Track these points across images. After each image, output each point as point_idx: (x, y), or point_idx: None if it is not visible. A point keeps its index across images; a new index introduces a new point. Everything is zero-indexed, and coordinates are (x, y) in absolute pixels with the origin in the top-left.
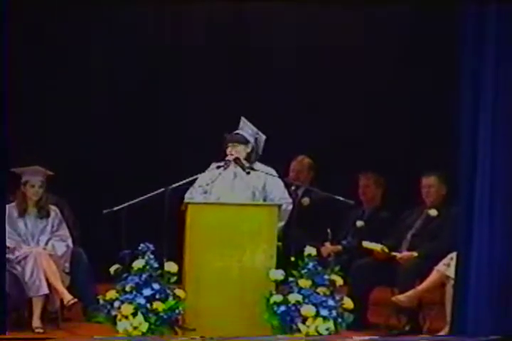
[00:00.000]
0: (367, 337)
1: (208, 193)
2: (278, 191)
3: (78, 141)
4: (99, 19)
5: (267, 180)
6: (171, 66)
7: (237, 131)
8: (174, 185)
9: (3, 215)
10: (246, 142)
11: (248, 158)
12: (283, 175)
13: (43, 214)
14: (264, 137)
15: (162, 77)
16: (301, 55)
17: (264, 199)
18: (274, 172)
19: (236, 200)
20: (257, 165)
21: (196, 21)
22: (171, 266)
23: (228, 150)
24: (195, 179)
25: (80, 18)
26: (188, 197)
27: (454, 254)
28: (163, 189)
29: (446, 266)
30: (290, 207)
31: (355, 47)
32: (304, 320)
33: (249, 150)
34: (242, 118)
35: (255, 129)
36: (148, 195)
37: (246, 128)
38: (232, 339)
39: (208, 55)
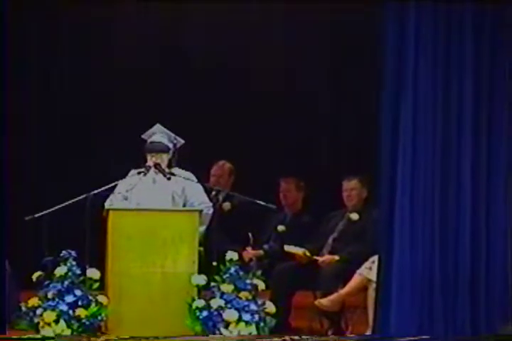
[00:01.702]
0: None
1: (128, 200)
2: (198, 196)
3: None
4: None
5: (186, 185)
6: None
7: (157, 140)
8: (95, 191)
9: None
10: (167, 150)
11: (168, 163)
12: (204, 180)
13: None
14: (182, 142)
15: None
16: (218, 55)
17: (184, 205)
18: (193, 177)
19: (156, 206)
20: (176, 170)
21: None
22: (93, 273)
23: (149, 158)
24: (116, 185)
25: None
26: (108, 203)
27: (375, 257)
28: (84, 195)
29: (368, 270)
30: (211, 211)
31: (276, 47)
32: (227, 325)
33: (169, 156)
34: (158, 125)
35: (172, 135)
36: (70, 201)
37: (163, 135)
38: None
39: (125, 57)
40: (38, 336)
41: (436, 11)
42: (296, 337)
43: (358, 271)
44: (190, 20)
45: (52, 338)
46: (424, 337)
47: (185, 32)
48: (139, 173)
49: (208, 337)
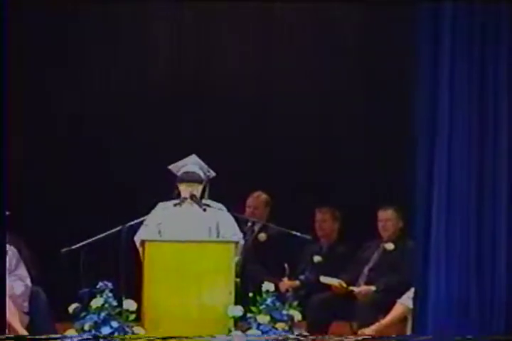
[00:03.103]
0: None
1: (162, 232)
2: (230, 227)
3: (33, 179)
4: None
5: (219, 217)
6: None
7: (191, 170)
8: (131, 223)
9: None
10: (201, 181)
11: (201, 195)
12: (239, 211)
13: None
14: (214, 174)
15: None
16: (250, 83)
17: (217, 236)
18: (224, 208)
19: (192, 238)
20: (209, 202)
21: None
22: (129, 304)
23: (182, 189)
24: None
25: None
26: (140, 236)
27: None
28: (120, 227)
29: (411, 299)
30: (242, 241)
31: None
32: None
33: (202, 188)
34: (193, 156)
35: (205, 166)
36: (106, 232)
37: (196, 165)
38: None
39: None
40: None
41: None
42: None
43: (399, 301)
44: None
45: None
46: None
47: (217, 60)
48: (175, 205)
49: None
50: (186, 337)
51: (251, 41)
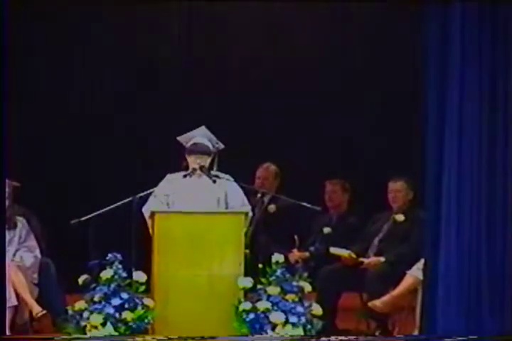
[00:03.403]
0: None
1: (170, 204)
2: (238, 198)
3: (43, 151)
4: None
5: (228, 188)
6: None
7: (200, 141)
8: (141, 194)
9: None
10: (210, 153)
11: (210, 167)
12: (248, 182)
13: (10, 225)
14: (222, 146)
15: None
16: (258, 57)
17: (226, 207)
18: (232, 179)
19: (201, 209)
20: (218, 173)
21: None
22: (139, 276)
23: (191, 161)
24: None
25: None
26: (148, 207)
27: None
28: (130, 198)
29: (420, 271)
30: (250, 213)
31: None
32: (274, 327)
33: (210, 159)
34: (202, 127)
35: (214, 138)
36: (116, 204)
37: (205, 137)
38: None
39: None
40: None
41: (482, 9)
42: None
43: (409, 272)
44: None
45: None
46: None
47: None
48: (185, 176)
49: (254, 337)
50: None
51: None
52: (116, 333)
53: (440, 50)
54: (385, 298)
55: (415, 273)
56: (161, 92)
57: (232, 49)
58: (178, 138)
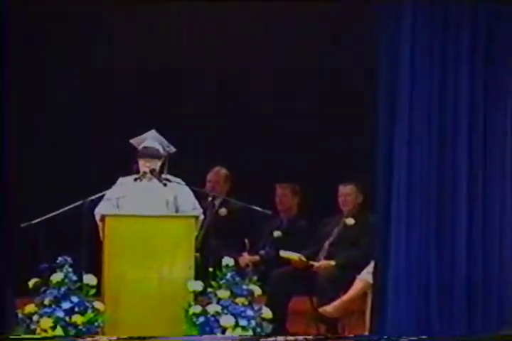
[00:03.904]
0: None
1: (120, 207)
2: (189, 202)
3: None
4: None
5: (178, 192)
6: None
7: (150, 145)
8: (92, 197)
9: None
10: (160, 156)
11: (160, 170)
12: (199, 186)
13: None
14: (174, 149)
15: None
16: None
17: (176, 211)
18: (183, 183)
19: (150, 212)
20: (169, 177)
21: None
22: (89, 279)
23: (142, 164)
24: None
25: None
26: (100, 211)
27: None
28: (81, 201)
29: (370, 274)
30: (202, 216)
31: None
32: (224, 331)
33: (161, 163)
34: (153, 131)
35: (165, 141)
36: (67, 207)
37: (156, 140)
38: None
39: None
40: (38, 336)
41: (433, 7)
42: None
43: (359, 276)
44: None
45: (52, 338)
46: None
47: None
48: (135, 180)
49: (203, 338)
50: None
51: None
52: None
53: (391, 49)
54: (336, 303)
55: (365, 277)
56: (114, 94)
57: (186, 51)
58: (131, 140)
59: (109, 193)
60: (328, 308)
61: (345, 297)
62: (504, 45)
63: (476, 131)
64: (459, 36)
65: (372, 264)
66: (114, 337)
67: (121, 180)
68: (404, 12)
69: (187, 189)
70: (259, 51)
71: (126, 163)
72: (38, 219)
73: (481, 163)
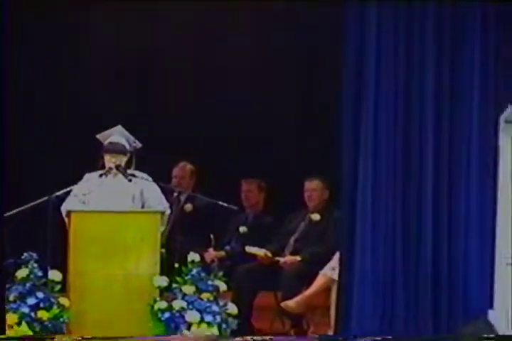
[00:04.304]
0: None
1: (86, 203)
2: (155, 197)
3: None
4: None
5: (144, 187)
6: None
7: (116, 141)
8: (58, 193)
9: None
10: (126, 152)
11: (126, 166)
12: (165, 181)
13: None
14: (140, 145)
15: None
16: (179, 58)
17: (143, 206)
18: (150, 178)
19: (116, 208)
20: (135, 172)
21: None
22: (55, 275)
23: (107, 160)
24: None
25: None
26: (64, 207)
27: (338, 257)
28: (46, 197)
29: (332, 270)
30: (168, 211)
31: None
32: (189, 327)
33: (127, 158)
34: (119, 126)
35: (131, 137)
36: (32, 203)
37: (122, 136)
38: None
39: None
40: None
41: (397, 9)
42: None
43: (322, 272)
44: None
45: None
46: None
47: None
48: (101, 175)
49: (170, 337)
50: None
51: None
52: (32, 332)
53: (357, 49)
54: (298, 298)
55: (327, 272)
56: (81, 90)
57: (153, 48)
58: (97, 136)
59: (75, 189)
60: (290, 303)
61: (307, 292)
62: (468, 46)
63: (442, 128)
64: (423, 38)
65: (334, 260)
66: None
67: (87, 175)
68: (369, 15)
69: (153, 184)
70: (225, 48)
71: (92, 159)
72: (3, 215)
73: (447, 158)
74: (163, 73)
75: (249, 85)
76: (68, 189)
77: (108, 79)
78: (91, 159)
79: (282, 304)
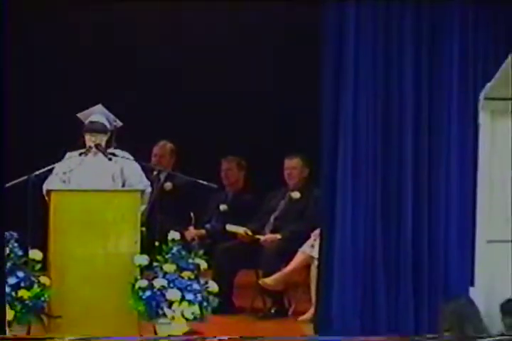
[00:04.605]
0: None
1: (67, 182)
2: (136, 175)
3: None
4: None
5: (124, 166)
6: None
7: (96, 120)
8: (37, 172)
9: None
10: (106, 131)
11: (107, 145)
12: (145, 160)
13: None
14: (120, 124)
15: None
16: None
17: (123, 185)
18: (130, 157)
19: (97, 187)
20: (115, 151)
21: None
22: (35, 254)
23: (87, 139)
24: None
25: None
26: (46, 186)
27: (317, 235)
28: (26, 177)
29: (311, 247)
30: (149, 189)
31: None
32: (170, 305)
33: (107, 137)
34: (99, 105)
35: (112, 116)
36: (12, 182)
37: (102, 115)
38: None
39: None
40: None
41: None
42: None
43: (301, 249)
44: None
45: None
46: None
47: None
48: (80, 154)
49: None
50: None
51: None
52: (13, 311)
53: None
54: (276, 275)
55: (306, 249)
56: (63, 68)
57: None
58: (78, 115)
59: (56, 168)
60: (268, 280)
61: (285, 270)
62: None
63: (421, 106)
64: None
65: (313, 237)
66: None
67: (69, 154)
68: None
69: (134, 163)
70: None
71: (74, 138)
72: None
73: (427, 136)
74: (147, 52)
75: (227, 63)
76: (48, 168)
77: (90, 57)
78: (73, 138)
79: (260, 281)
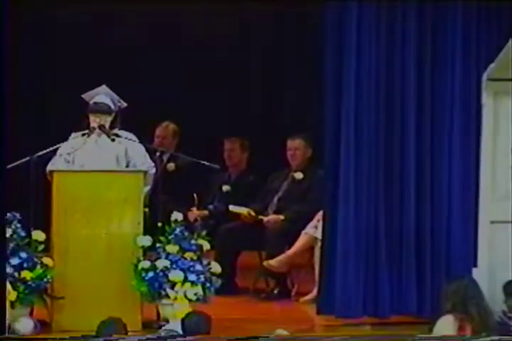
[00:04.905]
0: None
1: (71, 162)
2: (140, 156)
3: None
4: None
5: (128, 147)
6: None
7: (100, 101)
8: (39, 153)
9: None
10: (110, 112)
11: (111, 125)
12: (148, 141)
13: None
14: (125, 104)
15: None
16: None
17: (127, 166)
18: (134, 137)
19: (100, 167)
20: (119, 132)
21: None
22: (38, 235)
23: (92, 120)
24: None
25: None
26: (50, 166)
27: (320, 216)
28: (28, 157)
29: (314, 228)
30: (153, 170)
31: None
32: (173, 286)
33: (112, 118)
34: (103, 86)
35: (116, 96)
36: (14, 163)
37: (107, 96)
38: None
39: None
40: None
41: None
42: None
43: (304, 231)
44: None
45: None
46: None
47: None
48: (83, 135)
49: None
50: None
51: None
52: (15, 292)
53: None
54: (280, 257)
55: (309, 230)
56: (68, 51)
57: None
58: (83, 95)
59: (61, 149)
60: (273, 262)
61: (289, 251)
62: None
63: (424, 86)
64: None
65: (317, 218)
66: None
67: (73, 135)
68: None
69: (137, 144)
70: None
71: (79, 119)
72: None
73: (430, 115)
74: (149, 34)
75: (233, 44)
76: (51, 149)
77: (94, 39)
78: (78, 119)
79: (265, 263)
